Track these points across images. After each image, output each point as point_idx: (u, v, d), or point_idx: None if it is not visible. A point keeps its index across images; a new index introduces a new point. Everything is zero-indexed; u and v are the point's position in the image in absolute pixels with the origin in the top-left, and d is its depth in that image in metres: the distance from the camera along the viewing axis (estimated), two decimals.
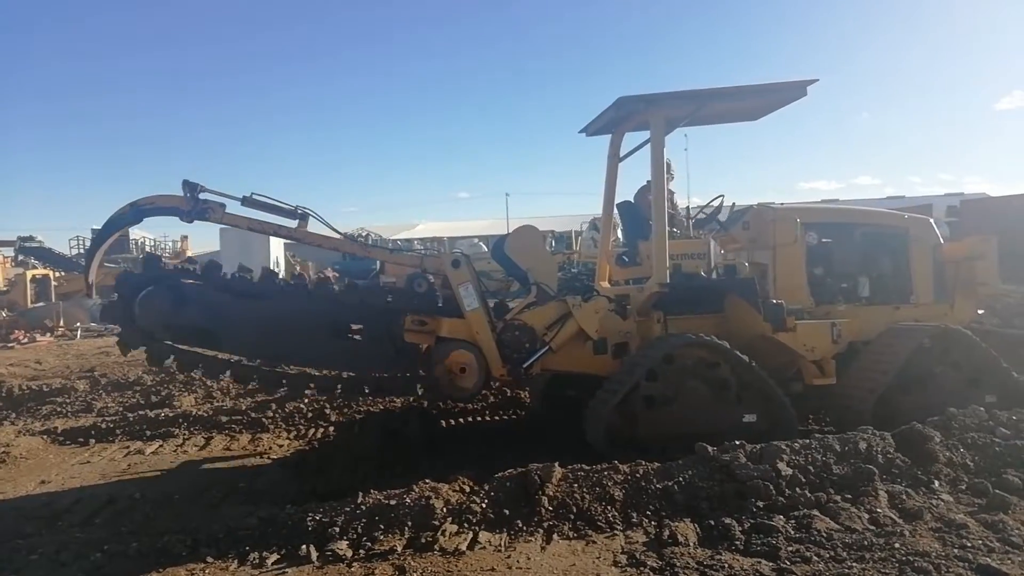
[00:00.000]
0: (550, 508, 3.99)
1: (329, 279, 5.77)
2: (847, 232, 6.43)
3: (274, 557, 3.73)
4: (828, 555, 3.36)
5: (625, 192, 7.30)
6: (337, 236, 5.72)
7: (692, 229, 6.76)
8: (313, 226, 5.47)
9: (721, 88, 5.67)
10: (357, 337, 5.48)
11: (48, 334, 18.45)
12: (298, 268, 34.38)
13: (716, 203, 6.80)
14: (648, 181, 7.12)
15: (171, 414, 7.21)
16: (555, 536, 3.81)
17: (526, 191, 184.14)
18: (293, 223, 5.35)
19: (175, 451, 6.29)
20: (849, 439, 4.39)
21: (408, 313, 5.38)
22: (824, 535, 3.54)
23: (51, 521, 4.50)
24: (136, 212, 5.20)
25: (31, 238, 37.04)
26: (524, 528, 3.87)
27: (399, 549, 3.70)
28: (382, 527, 3.89)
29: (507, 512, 3.98)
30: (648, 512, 3.98)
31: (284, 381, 5.42)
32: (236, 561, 3.73)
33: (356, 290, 5.47)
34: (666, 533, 3.72)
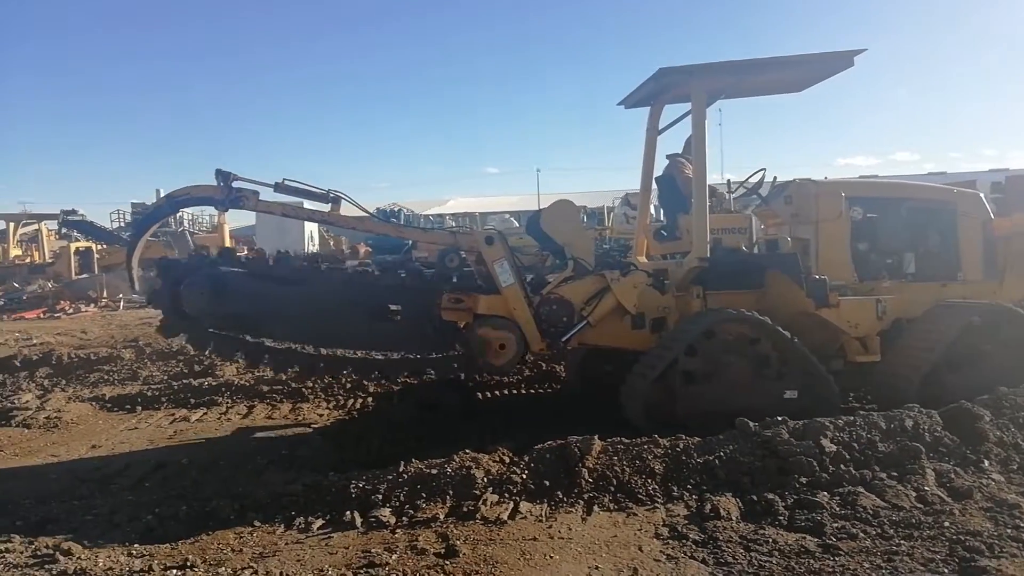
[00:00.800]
0: (590, 480, 4.01)
1: (363, 256, 5.80)
2: (893, 207, 6.27)
3: (319, 522, 3.81)
4: (875, 532, 3.33)
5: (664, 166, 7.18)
6: (370, 218, 5.80)
7: (732, 204, 6.64)
8: (346, 209, 5.50)
9: (765, 59, 5.53)
10: (396, 318, 5.52)
11: (92, 305, 18.97)
12: (331, 243, 34.74)
13: (757, 177, 6.67)
14: (674, 153, 7.00)
15: (214, 383, 7.38)
16: (595, 508, 3.83)
17: (557, 166, 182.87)
18: (326, 207, 5.42)
19: (219, 419, 6.44)
20: (895, 417, 4.32)
21: (445, 291, 5.40)
22: (870, 512, 3.50)
23: (104, 483, 4.65)
24: (172, 204, 5.34)
25: (73, 211, 37.84)
26: (564, 499, 3.90)
27: (441, 517, 3.75)
28: (424, 495, 3.95)
29: (547, 483, 4.00)
30: (689, 486, 3.98)
31: (322, 365, 5.45)
32: (282, 526, 3.82)
33: (393, 271, 5.50)
34: (708, 507, 3.71)
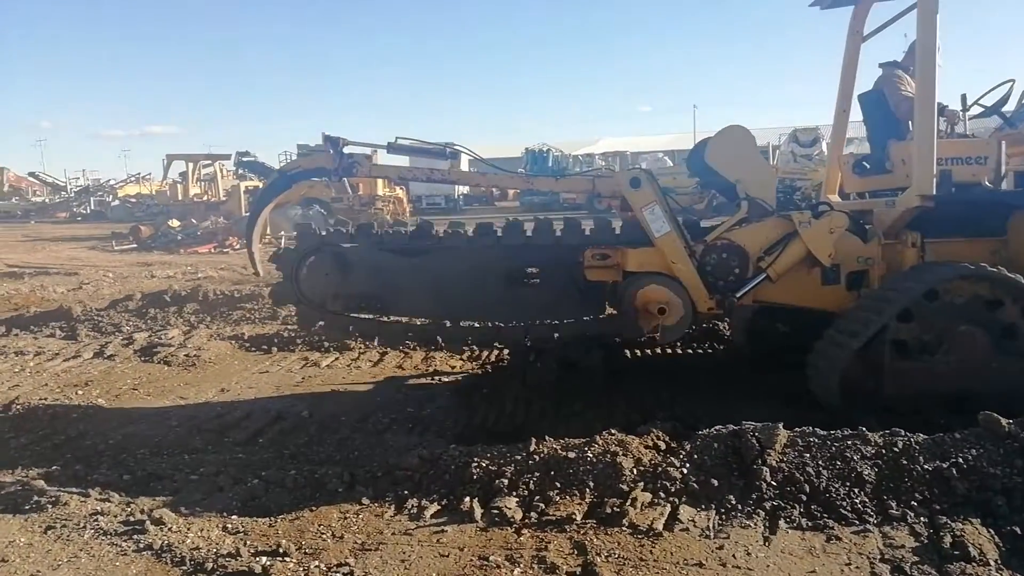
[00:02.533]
0: (773, 483, 3.09)
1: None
2: None
3: (433, 508, 3.20)
4: None
5: (865, 83, 5.78)
6: (496, 171, 5.08)
7: (967, 126, 5.18)
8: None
9: None
10: (535, 282, 4.75)
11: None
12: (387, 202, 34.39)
13: (1002, 91, 5.14)
14: (889, 62, 5.57)
15: None
16: (781, 522, 2.91)
17: (715, 102, 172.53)
18: (445, 164, 4.86)
19: (348, 366, 6.07)
20: None
21: (587, 247, 4.54)
22: None
23: (219, 435, 4.34)
24: (285, 179, 4.90)
25: (247, 153, 40.48)
26: (739, 507, 3.01)
27: (578, 517, 3.00)
28: (558, 485, 3.22)
29: (715, 483, 3.13)
30: (914, 503, 2.95)
31: (470, 339, 4.86)
32: (393, 507, 3.25)
33: (521, 230, 4.68)
34: (947, 539, 2.69)
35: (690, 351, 6.14)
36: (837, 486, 3.04)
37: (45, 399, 5.14)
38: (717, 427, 3.43)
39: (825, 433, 3.30)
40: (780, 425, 3.32)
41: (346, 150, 4.67)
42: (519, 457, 3.39)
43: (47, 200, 43.56)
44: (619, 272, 4.49)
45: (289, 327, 7.20)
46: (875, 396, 4.11)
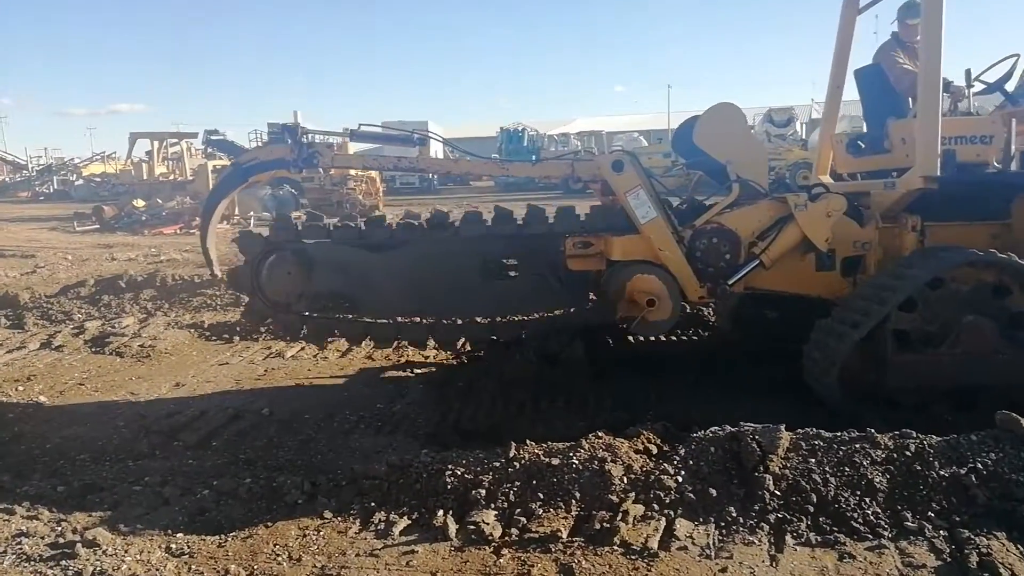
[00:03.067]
0: (777, 493, 2.82)
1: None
2: None
3: (403, 523, 2.88)
4: None
5: (860, 58, 5.49)
6: (467, 157, 4.76)
7: (972, 103, 4.91)
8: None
9: None
10: (513, 274, 4.43)
11: (225, 222, 19.32)
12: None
13: (1005, 66, 4.88)
14: (893, 34, 5.30)
15: None
16: (788, 538, 2.64)
17: (690, 82, 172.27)
18: (413, 152, 4.54)
19: (315, 357, 5.71)
20: None
21: (567, 235, 4.22)
22: None
23: (168, 438, 3.97)
24: (241, 172, 4.47)
25: (215, 131, 39.44)
26: (740, 520, 2.74)
27: (564, 534, 2.70)
28: (541, 496, 2.92)
29: (713, 493, 2.85)
30: (931, 513, 2.70)
31: (431, 336, 4.53)
32: (358, 522, 2.93)
33: (504, 219, 4.34)
34: (972, 557, 2.44)
35: (675, 338, 5.87)
36: (847, 495, 2.78)
37: None
38: (713, 429, 3.15)
39: (831, 435, 3.03)
40: (782, 427, 3.05)
41: (305, 139, 4.31)
42: (498, 464, 3.08)
43: (7, 179, 42.14)
44: (603, 260, 4.18)
45: None
46: (876, 390, 3.86)
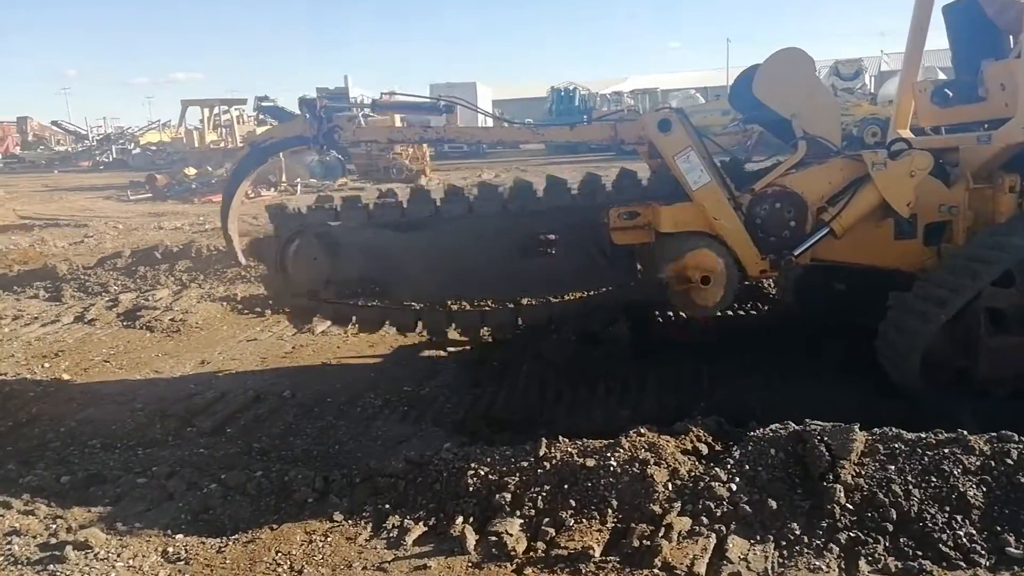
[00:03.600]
0: (849, 507, 2.40)
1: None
2: None
3: (418, 531, 2.58)
4: None
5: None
6: (502, 123, 4.37)
7: None
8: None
9: None
10: (552, 251, 4.00)
11: (272, 189, 19.37)
12: None
13: None
14: None
15: None
16: (862, 563, 2.24)
17: (750, 36, 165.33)
18: (441, 119, 4.23)
19: (345, 332, 5.45)
20: None
21: (611, 205, 3.77)
22: None
23: (183, 423, 3.76)
24: (259, 152, 4.15)
25: (266, 97, 39.59)
26: (805, 539, 2.34)
27: (596, 552, 2.36)
28: (572, 504, 2.57)
29: (773, 505, 2.45)
30: None
31: (453, 323, 4.17)
32: (369, 527, 2.65)
33: (531, 191, 3.92)
34: None
35: (730, 314, 5.39)
36: (933, 511, 2.35)
37: (5, 374, 4.63)
38: (773, 427, 2.74)
39: (914, 437, 2.59)
40: (856, 427, 2.62)
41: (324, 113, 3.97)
42: (526, 464, 2.75)
43: (69, 149, 43.36)
44: (651, 232, 3.74)
45: None
46: (965, 378, 3.38)
